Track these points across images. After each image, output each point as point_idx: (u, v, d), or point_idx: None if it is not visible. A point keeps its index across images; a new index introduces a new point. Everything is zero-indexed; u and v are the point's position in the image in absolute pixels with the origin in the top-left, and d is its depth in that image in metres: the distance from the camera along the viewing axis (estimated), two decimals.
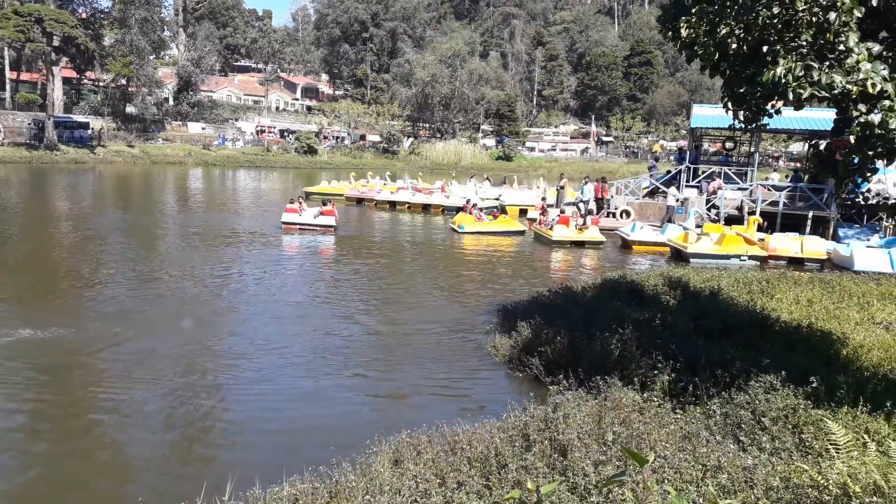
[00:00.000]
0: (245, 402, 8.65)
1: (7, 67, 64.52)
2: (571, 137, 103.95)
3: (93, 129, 60.69)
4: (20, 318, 11.57)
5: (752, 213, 24.34)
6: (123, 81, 68.06)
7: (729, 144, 32.20)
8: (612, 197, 28.17)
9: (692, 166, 28.49)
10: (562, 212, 25.54)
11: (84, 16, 66.30)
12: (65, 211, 27.48)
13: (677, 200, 25.54)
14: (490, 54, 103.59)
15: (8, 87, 65.15)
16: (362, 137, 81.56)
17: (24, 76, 70.37)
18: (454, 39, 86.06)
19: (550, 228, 23.09)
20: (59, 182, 39.85)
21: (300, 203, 23.47)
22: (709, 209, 26.12)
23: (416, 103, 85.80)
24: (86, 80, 71.42)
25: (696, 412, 7.01)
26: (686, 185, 27.78)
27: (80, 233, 21.59)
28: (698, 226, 22.28)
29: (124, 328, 11.29)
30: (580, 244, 22.35)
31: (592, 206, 26.66)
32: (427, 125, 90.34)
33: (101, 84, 72.23)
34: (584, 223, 22.95)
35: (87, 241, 20.01)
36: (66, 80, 66.56)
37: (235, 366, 9.91)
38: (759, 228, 22.02)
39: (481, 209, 26.99)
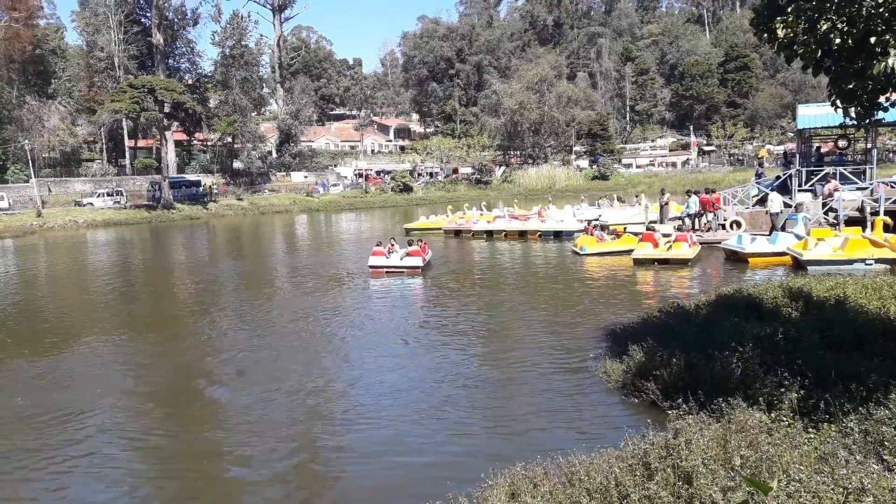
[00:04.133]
0: (357, 439, 8.83)
1: (126, 136, 70.09)
2: (670, 150, 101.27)
3: (205, 185, 64.80)
4: (144, 362, 12.41)
5: (875, 213, 22.77)
6: (229, 139, 72.55)
7: (842, 143, 30.33)
8: (723, 209, 26.95)
9: (804, 169, 27.05)
10: (649, 229, 24.81)
11: (190, 82, 71.58)
12: (183, 264, 29.32)
13: (788, 206, 24.06)
14: (578, 75, 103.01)
15: (128, 154, 70.75)
16: (455, 171, 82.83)
17: (141, 143, 76.26)
18: (540, 65, 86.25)
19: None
20: (176, 238, 42.62)
21: (391, 244, 23.12)
22: (826, 213, 24.66)
23: (506, 132, 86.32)
24: (195, 141, 76.74)
25: (831, 431, 6.57)
26: (798, 190, 26.36)
27: (197, 283, 22.93)
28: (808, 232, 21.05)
29: (239, 370, 11.88)
30: (664, 262, 21.40)
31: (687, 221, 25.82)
32: (518, 152, 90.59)
33: (208, 143, 77.22)
34: (672, 238, 22.12)
35: (203, 291, 21.22)
36: (177, 143, 71.68)
37: (346, 404, 10.15)
38: (886, 229, 20.53)
39: (603, 228, 26.74)
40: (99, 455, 8.66)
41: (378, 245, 23.08)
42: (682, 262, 21.22)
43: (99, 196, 58.40)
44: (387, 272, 21.97)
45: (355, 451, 8.47)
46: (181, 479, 8.10)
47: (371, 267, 22.32)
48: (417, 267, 21.94)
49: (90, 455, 8.67)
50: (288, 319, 16.23)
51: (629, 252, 23.44)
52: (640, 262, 21.79)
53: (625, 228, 27.19)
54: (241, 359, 12.91)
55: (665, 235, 22.88)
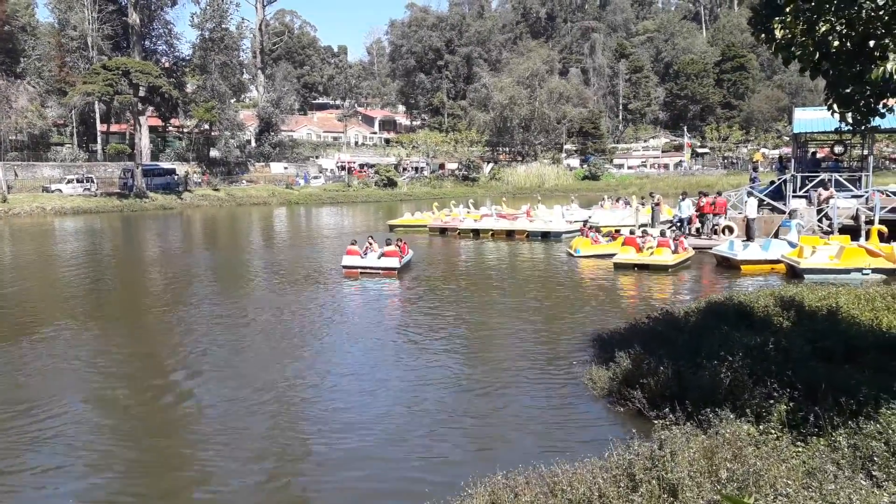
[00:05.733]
0: (332, 448, 8.76)
1: (98, 120, 69.30)
2: (663, 151, 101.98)
3: (180, 174, 64.18)
4: (108, 357, 12.30)
5: (869, 222, 23.03)
6: (206, 126, 71.88)
7: (838, 149, 30.68)
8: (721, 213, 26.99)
9: (799, 175, 27.31)
10: (634, 231, 25.00)
11: (167, 65, 70.82)
12: (154, 256, 29.06)
13: (781, 212, 24.28)
14: (570, 71, 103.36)
15: (99, 139, 69.95)
16: (441, 166, 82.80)
17: (114, 128, 75.40)
18: (531, 59, 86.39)
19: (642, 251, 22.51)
20: (149, 228, 42.22)
21: (369, 243, 22.42)
22: (820, 220, 24.91)
23: (495, 127, 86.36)
24: (171, 128, 75.98)
25: (820, 444, 6.63)
26: (793, 196, 26.59)
27: (167, 277, 22.72)
28: None
29: (207, 370, 11.81)
30: (644, 268, 21.46)
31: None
32: (507, 149, 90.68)
33: (184, 130, 76.54)
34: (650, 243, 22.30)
35: (173, 286, 21.02)
36: (152, 129, 70.93)
37: (318, 412, 10.08)
38: (882, 238, 20.79)
39: (597, 230, 26.94)
40: (54, 454, 8.55)
41: (353, 244, 22.44)
42: (662, 269, 21.30)
43: (68, 182, 57.64)
44: (361, 273, 21.48)
45: (329, 460, 8.40)
46: (142, 484, 8.01)
47: (344, 267, 21.80)
48: (394, 268, 21.36)
49: (43, 453, 8.56)
50: (258, 319, 16.06)
51: None
52: (620, 267, 21.90)
53: (618, 231, 27.37)
54: (208, 359, 12.78)
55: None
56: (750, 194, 26.34)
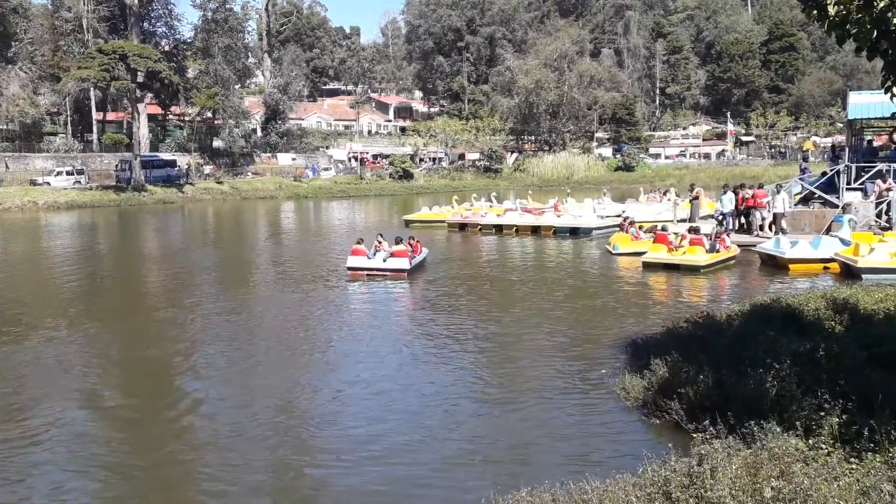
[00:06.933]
0: (347, 460, 8.80)
1: (94, 109, 70.08)
2: (704, 139, 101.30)
3: (179, 166, 64.63)
4: (101, 360, 12.43)
5: None
6: (209, 114, 72.35)
7: None
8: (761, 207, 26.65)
9: (854, 165, 26.97)
10: (666, 227, 24.73)
11: (167, 48, 71.49)
12: (153, 254, 29.40)
13: (834, 206, 23.90)
14: (602, 52, 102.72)
15: (95, 128, 70.74)
16: (461, 157, 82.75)
17: (110, 116, 76.25)
18: (560, 39, 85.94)
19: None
20: (148, 224, 42.71)
21: (378, 241, 21.87)
22: (877, 215, 24.60)
23: (520, 114, 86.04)
24: (171, 116, 76.67)
25: (876, 461, 6.54)
26: (847, 188, 26.27)
27: (165, 277, 23.00)
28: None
29: (207, 378, 11.92)
30: (674, 268, 21.19)
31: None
32: (533, 137, 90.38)
33: (186, 118, 77.19)
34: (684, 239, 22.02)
35: (172, 287, 21.26)
36: (151, 117, 71.66)
37: (333, 421, 10.14)
38: None
39: (639, 225, 26.59)
40: (39, 467, 8.67)
41: (359, 243, 21.94)
42: (694, 270, 20.96)
43: (57, 174, 58.08)
44: (368, 275, 21.05)
45: (340, 477, 8.41)
46: (140, 493, 8.10)
47: (349, 268, 21.42)
48: (403, 270, 20.89)
49: (28, 465, 8.69)
50: (261, 325, 16.20)
51: None
52: (649, 266, 21.66)
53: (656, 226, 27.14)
54: (208, 364, 12.91)
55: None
56: (779, 188, 26.13)
